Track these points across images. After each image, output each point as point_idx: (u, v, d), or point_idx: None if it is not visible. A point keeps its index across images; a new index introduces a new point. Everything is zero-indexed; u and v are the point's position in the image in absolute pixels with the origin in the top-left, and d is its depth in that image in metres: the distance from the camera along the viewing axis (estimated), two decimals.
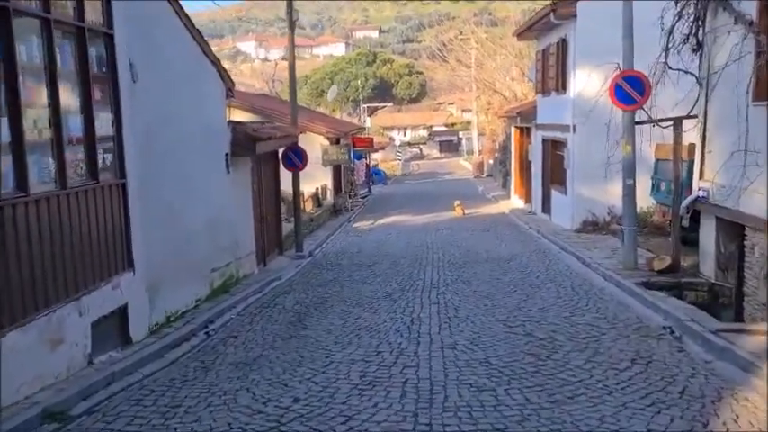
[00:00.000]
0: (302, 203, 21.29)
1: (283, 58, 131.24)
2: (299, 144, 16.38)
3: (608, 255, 13.67)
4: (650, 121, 11.87)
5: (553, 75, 19.74)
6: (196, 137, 10.16)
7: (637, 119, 12.01)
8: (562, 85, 18.85)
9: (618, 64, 11.87)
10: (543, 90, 21.46)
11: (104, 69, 7.05)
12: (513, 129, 28.74)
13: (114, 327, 7.04)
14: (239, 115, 20.66)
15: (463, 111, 77.52)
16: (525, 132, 25.57)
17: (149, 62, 8.34)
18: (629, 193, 11.79)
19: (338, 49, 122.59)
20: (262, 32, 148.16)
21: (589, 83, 17.44)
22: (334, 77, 68.99)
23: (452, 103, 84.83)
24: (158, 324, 8.23)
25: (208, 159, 10.67)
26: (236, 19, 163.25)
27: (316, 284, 12.27)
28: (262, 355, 7.50)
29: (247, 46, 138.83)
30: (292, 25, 15.77)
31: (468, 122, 64.28)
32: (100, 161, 6.77)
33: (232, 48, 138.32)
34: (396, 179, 51.23)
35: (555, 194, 20.21)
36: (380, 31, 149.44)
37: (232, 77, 11.95)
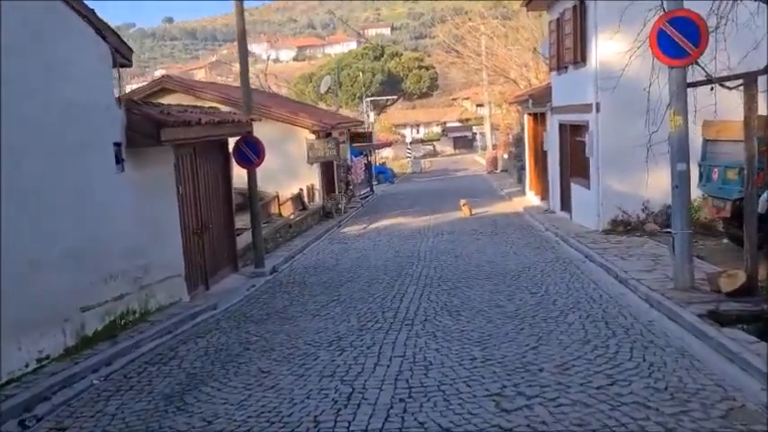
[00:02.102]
0: (278, 207, 18.12)
1: (294, 59, 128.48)
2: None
3: (648, 265, 10.32)
4: (710, 80, 8.44)
5: (570, 45, 16.33)
6: (46, 118, 6.96)
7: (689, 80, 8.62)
8: (581, 56, 15.44)
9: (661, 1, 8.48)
10: (558, 66, 18.04)
11: None
12: (525, 117, 25.30)
13: None
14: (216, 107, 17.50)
15: (478, 105, 74.00)
16: (539, 119, 22.13)
17: None
18: (682, 182, 8.40)
19: (350, 47, 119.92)
20: (273, 34, 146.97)
21: (615, 48, 14.07)
22: (340, 73, 65.59)
23: (467, 98, 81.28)
24: None
25: (75, 151, 7.45)
26: (249, 23, 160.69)
27: (253, 319, 9.05)
28: None
29: (260, 48, 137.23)
30: None
31: (483, 117, 60.78)
32: None
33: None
34: (404, 177, 47.88)
35: (576, 189, 16.80)
36: (392, 28, 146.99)
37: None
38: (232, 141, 13.02)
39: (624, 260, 10.91)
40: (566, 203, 18.08)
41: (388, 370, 6.10)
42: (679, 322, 7.11)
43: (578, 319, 7.56)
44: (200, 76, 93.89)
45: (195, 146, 11.22)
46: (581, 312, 7.89)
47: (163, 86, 21.76)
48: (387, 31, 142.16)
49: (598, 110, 14.43)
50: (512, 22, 46.13)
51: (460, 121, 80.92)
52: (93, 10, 7.65)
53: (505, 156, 41.09)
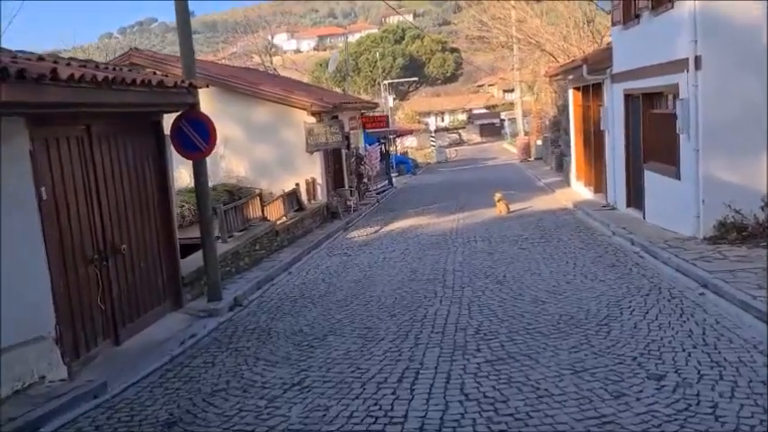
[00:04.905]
0: (261, 208, 13.95)
1: (315, 49, 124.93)
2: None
3: None
4: None
5: None
6: None
7: None
8: None
9: None
10: (625, 18, 13.64)
11: None
12: (570, 92, 20.84)
13: None
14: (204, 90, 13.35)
15: (505, 91, 69.23)
16: (592, 93, 17.69)
17: None
18: None
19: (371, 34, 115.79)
20: (294, 25, 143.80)
21: None
22: (358, 59, 61.25)
23: (493, 84, 76.42)
24: None
25: None
26: (270, 15, 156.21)
27: (142, 427, 4.93)
28: None
29: (280, 39, 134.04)
30: None
31: (512, 104, 56.02)
32: None
33: (266, 41, 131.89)
34: (428, 168, 43.54)
35: (653, 178, 12.41)
36: (415, 15, 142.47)
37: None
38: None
39: None
40: (635, 198, 13.74)
41: None
42: None
43: None
44: None
45: (89, 123, 7.13)
46: None
47: (131, 61, 17.83)
48: (409, 19, 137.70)
49: (698, 67, 10.09)
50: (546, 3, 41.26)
51: (487, 107, 76.27)
52: None
53: (539, 142, 36.86)
